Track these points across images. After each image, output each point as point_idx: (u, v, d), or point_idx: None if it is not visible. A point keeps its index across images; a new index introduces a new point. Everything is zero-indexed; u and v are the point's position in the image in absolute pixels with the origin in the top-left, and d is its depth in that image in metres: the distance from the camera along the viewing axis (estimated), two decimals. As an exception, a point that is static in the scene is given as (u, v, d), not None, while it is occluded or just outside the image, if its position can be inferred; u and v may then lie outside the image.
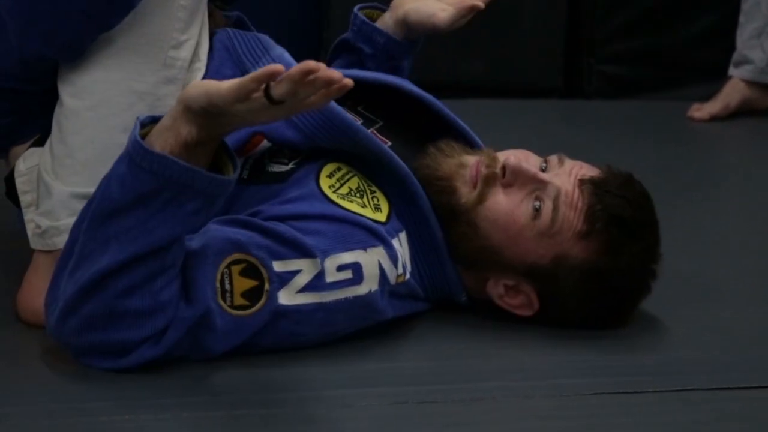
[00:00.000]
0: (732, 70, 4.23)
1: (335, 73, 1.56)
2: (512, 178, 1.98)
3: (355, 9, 2.42)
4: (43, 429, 1.62)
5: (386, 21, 2.38)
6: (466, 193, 2.00)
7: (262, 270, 1.78)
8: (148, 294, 1.68)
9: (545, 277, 1.97)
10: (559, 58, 4.55)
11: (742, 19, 4.22)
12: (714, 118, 4.15)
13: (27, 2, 1.90)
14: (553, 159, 2.02)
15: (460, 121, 2.20)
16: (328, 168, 1.97)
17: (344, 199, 1.92)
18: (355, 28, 2.41)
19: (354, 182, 1.97)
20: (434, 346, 1.96)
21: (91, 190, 1.91)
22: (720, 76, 4.29)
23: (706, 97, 4.25)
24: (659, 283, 2.02)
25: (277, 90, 1.59)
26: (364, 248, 1.86)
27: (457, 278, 2.03)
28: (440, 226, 2.01)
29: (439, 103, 2.21)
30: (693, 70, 4.58)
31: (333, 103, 1.93)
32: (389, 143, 2.06)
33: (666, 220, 2.01)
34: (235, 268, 1.78)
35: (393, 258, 1.90)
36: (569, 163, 2.01)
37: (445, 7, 2.33)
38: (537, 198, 1.96)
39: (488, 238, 1.98)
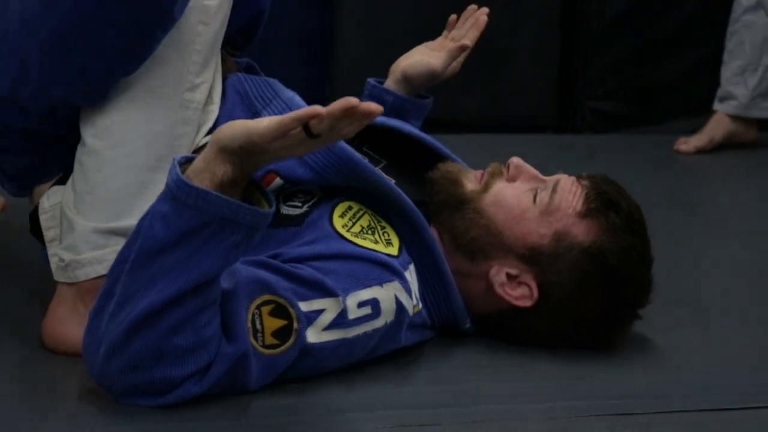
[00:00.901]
0: (717, 105, 4.24)
1: (372, 105, 1.57)
2: (516, 173, 2.03)
3: (369, 79, 2.48)
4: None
5: (389, 83, 2.44)
6: (472, 186, 2.05)
7: (291, 310, 1.77)
8: (192, 331, 1.66)
9: (546, 259, 1.97)
10: (552, 94, 4.56)
11: (726, 57, 4.23)
12: (700, 151, 4.17)
13: (53, 52, 1.90)
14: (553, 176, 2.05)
15: (455, 157, 2.21)
16: (340, 208, 1.97)
17: (358, 236, 1.92)
18: (366, 92, 2.45)
19: (365, 220, 1.97)
20: (436, 371, 1.95)
21: (112, 224, 1.94)
22: (705, 111, 4.30)
23: (692, 131, 4.27)
24: (649, 308, 2.01)
25: (318, 126, 1.59)
26: (381, 284, 1.86)
27: (463, 306, 2.02)
28: (443, 231, 2.03)
29: (435, 142, 2.23)
30: (679, 105, 4.59)
31: (343, 143, 1.95)
32: (393, 181, 2.06)
33: (655, 245, 2.00)
34: (265, 309, 1.76)
35: (408, 290, 1.90)
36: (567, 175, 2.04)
37: (436, 54, 2.41)
38: (538, 188, 2.00)
39: (492, 220, 2.00)
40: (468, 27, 2.46)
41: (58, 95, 1.95)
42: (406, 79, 2.40)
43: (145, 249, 1.66)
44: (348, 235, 1.92)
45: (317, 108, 1.57)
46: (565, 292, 1.96)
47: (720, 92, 4.23)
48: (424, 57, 2.42)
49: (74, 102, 1.97)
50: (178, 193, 1.63)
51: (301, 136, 1.61)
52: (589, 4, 4.52)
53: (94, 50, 1.91)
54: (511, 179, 2.04)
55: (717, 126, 4.21)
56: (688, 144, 4.18)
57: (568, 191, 1.98)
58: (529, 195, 2.00)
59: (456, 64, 2.42)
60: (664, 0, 4.55)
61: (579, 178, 2.02)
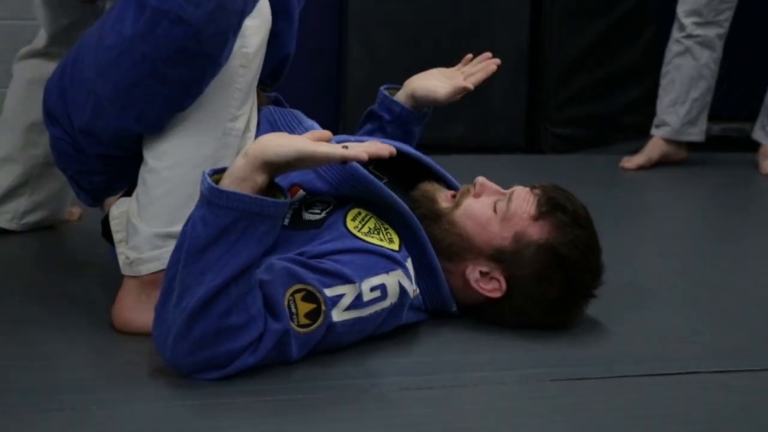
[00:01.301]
0: (653, 131, 4.23)
1: (389, 149, 1.74)
2: (480, 189, 2.04)
3: (381, 88, 2.48)
4: (136, 413, 1.63)
5: (400, 96, 2.43)
6: (445, 204, 2.05)
7: (319, 295, 1.77)
8: (243, 311, 1.67)
9: (509, 257, 1.97)
10: (521, 123, 4.54)
11: (661, 92, 4.22)
12: (640, 168, 4.15)
13: (119, 98, 1.91)
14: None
15: (444, 171, 2.21)
16: (352, 213, 1.97)
17: (367, 235, 1.92)
18: (378, 101, 2.46)
19: (372, 222, 1.97)
20: (430, 346, 1.95)
21: (169, 229, 1.95)
22: (644, 136, 4.28)
23: (634, 152, 4.25)
24: (601, 291, 2.02)
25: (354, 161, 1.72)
26: (387, 272, 1.87)
27: (449, 294, 2.02)
28: (428, 235, 2.01)
29: (428, 160, 2.22)
30: (624, 130, 4.57)
31: (355, 163, 1.94)
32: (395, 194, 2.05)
33: (603, 242, 2.01)
34: (298, 296, 1.76)
35: (409, 277, 1.91)
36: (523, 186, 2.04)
37: (444, 84, 2.39)
38: (497, 202, 2.00)
39: (464, 229, 2.00)
40: (478, 69, 2.46)
41: (126, 129, 1.95)
42: (414, 98, 2.41)
43: (192, 248, 1.67)
44: (359, 234, 1.92)
45: (363, 155, 1.70)
46: (528, 282, 1.96)
47: (656, 120, 4.22)
48: (433, 85, 2.41)
49: (138, 131, 1.97)
50: (211, 198, 1.66)
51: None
52: (550, 51, 4.50)
53: (150, 100, 1.91)
54: (477, 195, 2.04)
55: (654, 147, 4.20)
56: (631, 162, 4.17)
57: (522, 199, 1.98)
58: (491, 206, 2.00)
59: (457, 97, 2.42)
60: (609, 48, 4.53)
61: (532, 188, 2.01)
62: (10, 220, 2.69)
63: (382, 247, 1.91)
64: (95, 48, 1.95)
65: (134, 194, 2.01)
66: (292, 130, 2.11)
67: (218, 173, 1.73)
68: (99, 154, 2.04)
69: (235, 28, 1.90)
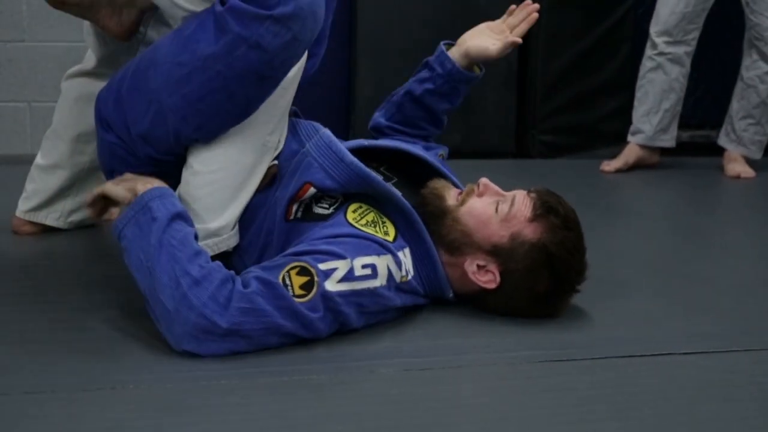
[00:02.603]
0: (630, 137, 4.23)
1: None
2: (483, 190, 2.03)
3: (441, 42, 2.48)
4: (170, 391, 1.63)
5: (454, 53, 2.44)
6: (451, 201, 2.04)
7: (312, 269, 1.79)
8: (198, 266, 1.76)
9: (505, 253, 1.96)
10: (511, 131, 4.53)
11: (636, 103, 4.22)
12: (618, 171, 4.15)
13: (183, 110, 1.93)
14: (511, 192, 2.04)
15: (449, 172, 2.22)
16: (353, 206, 1.98)
17: (364, 226, 1.93)
18: (436, 54, 2.46)
19: (370, 216, 1.97)
20: (429, 330, 1.95)
21: (208, 225, 1.99)
22: (622, 142, 4.28)
23: (612, 156, 4.24)
24: (584, 283, 2.02)
25: None
26: (378, 254, 1.87)
27: (447, 281, 2.02)
28: (430, 232, 2.01)
29: (435, 160, 2.23)
30: (603, 137, 4.57)
31: (360, 164, 1.97)
32: (400, 193, 2.05)
33: (586, 239, 2.01)
34: (293, 271, 1.79)
35: (398, 264, 1.91)
36: (522, 190, 2.04)
37: (494, 41, 2.41)
38: (498, 201, 2.00)
39: (466, 225, 1.99)
40: (521, 18, 2.46)
41: (183, 137, 1.95)
42: (468, 56, 2.41)
43: (142, 278, 1.82)
44: (356, 224, 1.93)
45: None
46: (520, 276, 1.96)
47: (632, 128, 4.22)
48: (485, 42, 2.42)
49: (194, 140, 1.99)
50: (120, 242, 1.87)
51: None
52: (536, 67, 4.48)
53: (213, 113, 1.94)
54: (480, 195, 2.03)
55: (630, 152, 4.19)
56: (609, 165, 4.17)
57: (521, 203, 1.97)
58: (492, 206, 1.99)
59: (507, 51, 2.43)
60: (590, 65, 4.53)
61: (529, 192, 2.01)
62: (58, 219, 2.70)
63: (375, 235, 1.92)
64: (163, 63, 1.95)
65: (177, 194, 2.00)
66: (309, 138, 2.10)
67: None
68: (150, 156, 2.03)
69: (300, 57, 1.95)
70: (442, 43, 2.47)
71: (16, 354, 1.78)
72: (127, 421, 1.49)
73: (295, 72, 2.04)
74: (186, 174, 2.02)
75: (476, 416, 1.56)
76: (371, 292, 1.86)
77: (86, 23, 2.48)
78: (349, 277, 1.82)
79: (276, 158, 2.10)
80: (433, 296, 2.05)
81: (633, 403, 1.62)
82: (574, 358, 1.83)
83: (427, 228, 2.01)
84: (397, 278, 1.92)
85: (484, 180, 2.05)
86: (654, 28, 4.10)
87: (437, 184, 2.10)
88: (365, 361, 1.77)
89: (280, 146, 2.10)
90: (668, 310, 2.18)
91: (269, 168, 2.08)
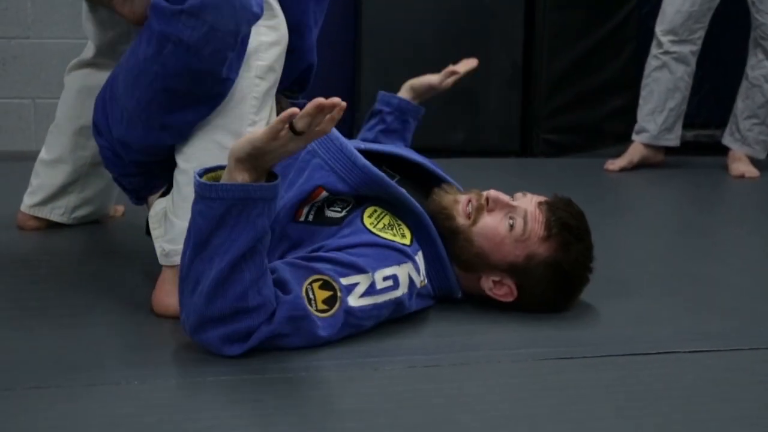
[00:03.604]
0: (634, 136, 4.22)
1: (336, 99, 1.60)
2: (493, 204, 2.00)
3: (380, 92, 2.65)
4: (171, 387, 1.64)
5: (400, 93, 2.59)
6: (462, 220, 2.01)
7: (335, 284, 1.79)
8: (257, 293, 1.68)
9: (521, 271, 1.98)
10: (515, 130, 4.52)
11: (641, 102, 4.21)
12: (622, 170, 4.14)
13: (146, 108, 1.94)
14: (518, 194, 2.05)
15: (445, 174, 2.21)
16: (368, 211, 1.97)
17: (381, 231, 1.93)
18: (378, 99, 2.62)
19: (386, 219, 1.97)
20: (436, 328, 1.96)
21: None
22: (625, 141, 4.28)
23: (617, 155, 4.23)
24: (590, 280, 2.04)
25: (299, 124, 1.61)
26: (399, 264, 1.88)
27: (456, 281, 2.03)
28: (444, 243, 2.01)
29: (430, 163, 2.22)
30: (607, 136, 4.57)
31: (372, 167, 1.97)
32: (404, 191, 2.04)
33: (593, 239, 2.02)
34: (315, 284, 1.78)
35: (417, 269, 1.92)
36: (528, 194, 2.05)
37: (436, 75, 2.65)
38: (510, 217, 1.98)
39: (480, 247, 1.99)
40: (462, 65, 2.69)
41: (154, 138, 1.96)
42: (412, 89, 2.58)
43: (197, 240, 1.68)
44: (374, 230, 1.92)
45: (294, 109, 1.60)
46: (536, 291, 2.00)
47: (636, 127, 4.22)
48: (427, 77, 2.65)
49: (167, 141, 1.99)
50: (203, 193, 1.67)
51: (289, 135, 1.62)
52: (541, 66, 4.48)
53: (167, 112, 1.94)
54: (491, 210, 2.01)
55: (634, 151, 4.19)
56: (614, 164, 4.16)
57: (534, 220, 1.97)
58: (505, 223, 1.98)
59: (447, 83, 2.62)
60: (594, 63, 4.53)
61: (539, 203, 2.00)
62: (62, 214, 2.71)
63: (394, 241, 1.92)
64: (123, 69, 2.01)
65: (170, 193, 2.02)
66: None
67: (211, 171, 1.75)
68: (134, 160, 2.07)
69: (233, 46, 1.91)
70: (381, 92, 2.65)
71: (20, 350, 1.79)
72: (133, 417, 1.49)
73: (272, 61, 2.03)
74: (176, 174, 2.02)
75: (481, 414, 1.56)
76: (392, 302, 1.87)
77: (84, 11, 2.49)
78: (371, 291, 1.83)
79: None
80: (441, 296, 2.05)
81: (638, 401, 1.63)
82: (580, 355, 1.83)
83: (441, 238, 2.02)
84: (418, 284, 1.93)
85: (492, 194, 2.02)
86: (659, 27, 4.10)
87: (444, 199, 2.06)
88: (370, 358, 1.77)
89: None
90: (673, 308, 2.18)
91: None
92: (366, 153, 2.10)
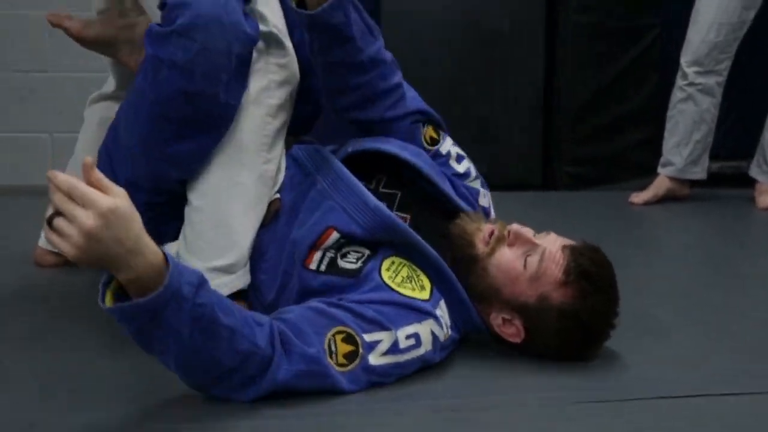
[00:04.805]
0: (660, 169, 4.21)
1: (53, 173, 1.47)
2: (514, 239, 1.94)
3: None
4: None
5: None
6: (481, 248, 1.96)
7: (358, 339, 1.77)
8: (231, 353, 1.64)
9: (531, 313, 1.91)
10: (538, 163, 4.54)
11: (666, 134, 4.20)
12: (647, 203, 4.13)
13: (147, 140, 1.95)
14: (543, 233, 1.99)
15: (440, 180, 2.14)
16: (386, 263, 1.92)
17: (400, 286, 1.89)
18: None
19: (405, 271, 1.92)
20: (460, 369, 1.94)
21: (214, 263, 1.97)
22: (651, 173, 4.26)
23: (642, 188, 4.22)
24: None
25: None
26: (420, 321, 1.85)
27: (480, 320, 1.99)
28: (461, 273, 1.96)
29: (425, 164, 2.13)
30: (631, 169, 4.56)
31: (385, 209, 1.95)
32: (408, 216, 2.04)
33: (616, 272, 1.98)
34: (339, 336, 1.76)
35: (439, 324, 1.88)
36: (555, 235, 1.98)
37: None
38: (529, 254, 1.91)
39: (494, 279, 1.93)
40: None
41: (162, 173, 1.96)
42: None
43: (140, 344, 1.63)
44: (393, 285, 1.89)
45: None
46: (547, 336, 1.93)
47: (662, 160, 4.21)
48: None
49: (176, 176, 1.99)
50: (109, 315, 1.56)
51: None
52: (563, 97, 4.49)
53: (168, 142, 1.94)
54: (511, 244, 1.94)
55: (660, 184, 4.18)
56: (639, 197, 4.15)
57: (551, 260, 1.90)
58: (521, 260, 1.91)
59: None
60: (617, 94, 4.53)
61: (564, 246, 1.93)
62: None
63: (414, 299, 1.88)
64: (123, 109, 2.03)
65: (181, 233, 2.02)
66: (318, 169, 2.08)
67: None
68: (142, 202, 2.04)
69: (226, 67, 1.91)
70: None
71: (38, 384, 1.79)
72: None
73: (282, 100, 2.06)
74: (187, 210, 2.02)
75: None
76: (417, 360, 1.85)
77: None
78: (393, 350, 1.81)
79: (278, 191, 2.09)
80: (468, 334, 2.03)
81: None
82: (610, 399, 1.80)
83: (456, 272, 1.97)
84: (441, 338, 1.90)
85: (515, 228, 1.96)
86: (685, 58, 4.09)
87: (468, 226, 2.02)
88: (394, 402, 1.75)
89: (280, 178, 2.09)
90: (703, 347, 2.16)
91: (271, 202, 2.07)
92: (365, 155, 2.09)
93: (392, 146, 2.14)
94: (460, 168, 2.27)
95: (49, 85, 4.20)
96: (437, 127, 2.27)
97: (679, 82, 4.13)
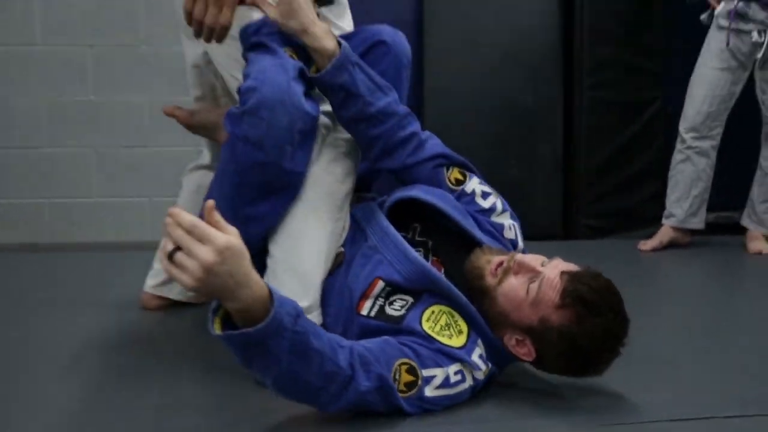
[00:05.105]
0: (664, 220, 4.17)
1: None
2: (518, 268, 1.86)
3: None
4: None
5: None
6: (490, 279, 1.89)
7: (418, 372, 1.76)
8: (320, 376, 1.64)
9: (536, 334, 1.83)
10: (559, 216, 4.51)
11: (668, 191, 4.17)
12: (653, 250, 4.09)
13: (231, 202, 1.94)
14: (549, 260, 1.89)
15: (468, 225, 2.07)
16: (426, 314, 1.87)
17: (439, 334, 1.84)
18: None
19: (443, 319, 1.87)
20: (497, 400, 1.92)
21: (304, 304, 1.94)
22: (656, 224, 4.23)
23: (649, 236, 4.19)
24: (631, 355, 1.90)
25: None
26: (461, 363, 1.84)
27: (509, 351, 1.92)
28: (476, 303, 1.90)
29: (459, 217, 2.06)
30: (640, 220, 4.51)
31: (422, 261, 1.92)
32: (443, 267, 1.99)
33: (627, 311, 1.87)
34: (404, 367, 1.75)
35: (475, 367, 1.85)
36: (558, 261, 1.87)
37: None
38: (532, 281, 1.83)
39: (502, 306, 1.86)
40: None
41: (241, 233, 1.97)
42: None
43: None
44: (432, 334, 1.84)
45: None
46: (553, 355, 1.85)
47: (666, 212, 4.17)
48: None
49: (253, 232, 1.96)
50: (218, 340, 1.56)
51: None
52: (579, 158, 4.47)
53: (248, 204, 1.95)
54: (516, 273, 1.86)
55: (664, 233, 4.14)
56: (646, 245, 4.11)
57: (549, 286, 1.80)
58: (524, 287, 1.83)
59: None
60: (628, 156, 4.50)
61: (563, 272, 1.82)
62: (179, 292, 2.71)
63: (451, 347, 1.83)
64: (212, 182, 2.05)
65: (264, 280, 2.02)
66: (368, 223, 2.07)
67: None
68: None
69: (290, 140, 1.93)
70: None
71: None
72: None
73: (350, 168, 2.08)
74: (270, 261, 2.02)
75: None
76: (466, 392, 1.84)
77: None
78: (445, 384, 1.79)
79: (342, 245, 2.09)
80: (503, 365, 1.98)
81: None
82: (625, 422, 1.78)
83: (472, 302, 1.92)
84: (481, 376, 1.87)
85: (518, 257, 1.89)
86: (683, 126, 4.09)
87: (479, 260, 1.94)
88: (445, 426, 1.74)
89: (345, 233, 2.09)
90: (706, 376, 2.13)
91: (337, 254, 2.07)
92: (406, 204, 2.06)
93: (419, 191, 2.09)
94: (486, 204, 2.14)
95: (148, 158, 4.25)
96: (463, 169, 2.17)
97: (679, 146, 4.11)
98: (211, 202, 1.49)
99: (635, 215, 4.53)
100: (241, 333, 1.51)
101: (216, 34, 2.07)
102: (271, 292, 1.54)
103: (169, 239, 1.47)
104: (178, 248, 1.45)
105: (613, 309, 1.80)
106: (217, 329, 1.54)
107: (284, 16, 2.02)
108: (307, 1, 2.04)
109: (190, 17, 2.08)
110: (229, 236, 1.48)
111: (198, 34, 2.10)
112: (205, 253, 1.45)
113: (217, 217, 1.49)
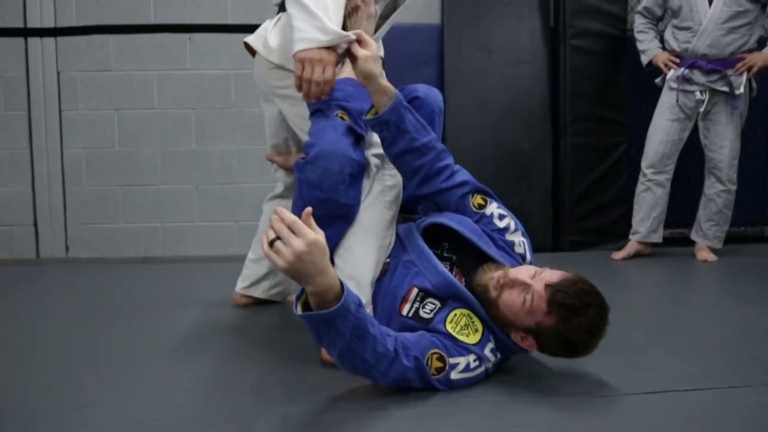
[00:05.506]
0: (631, 236, 4.15)
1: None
2: (512, 283, 1.83)
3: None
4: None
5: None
6: (492, 292, 1.86)
7: (446, 360, 1.78)
8: (370, 354, 1.66)
9: (536, 333, 1.83)
10: (549, 234, 4.47)
11: (634, 213, 4.16)
12: (623, 259, 4.06)
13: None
14: (542, 269, 1.85)
15: (483, 243, 2.01)
16: (450, 316, 1.86)
17: (459, 333, 1.83)
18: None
19: (463, 321, 1.85)
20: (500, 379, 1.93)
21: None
22: (625, 239, 4.21)
23: (619, 249, 4.16)
24: (614, 341, 1.88)
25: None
26: (477, 355, 1.85)
27: (516, 344, 1.92)
28: (484, 308, 1.87)
29: (477, 240, 2.00)
30: (612, 236, 4.46)
31: (448, 273, 1.89)
32: (464, 278, 1.95)
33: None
34: (434, 356, 1.77)
35: (486, 359, 1.86)
36: (547, 270, 1.83)
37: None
38: (526, 293, 1.80)
39: (504, 315, 1.85)
40: None
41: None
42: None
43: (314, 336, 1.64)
44: (454, 334, 1.84)
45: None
46: (551, 346, 1.85)
47: (632, 230, 4.16)
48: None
49: (330, 249, 1.94)
50: (300, 320, 1.59)
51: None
52: (564, 190, 4.43)
53: (316, 223, 1.91)
54: (510, 287, 1.83)
55: (631, 247, 4.12)
56: (617, 255, 4.10)
57: (539, 297, 1.77)
58: (520, 298, 1.80)
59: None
60: (601, 188, 4.47)
61: (546, 285, 1.77)
62: (263, 292, 2.73)
63: (468, 344, 1.83)
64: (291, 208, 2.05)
65: None
66: (406, 238, 2.06)
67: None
68: None
69: (342, 180, 1.95)
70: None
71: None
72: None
73: (394, 198, 2.08)
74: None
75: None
76: (479, 374, 1.85)
77: (274, 166, 2.59)
78: (466, 369, 1.81)
79: (388, 257, 2.09)
80: (509, 355, 1.97)
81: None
82: (606, 394, 1.81)
83: (485, 309, 1.89)
84: (491, 364, 1.88)
85: (512, 273, 1.84)
86: (644, 163, 4.07)
87: (482, 277, 1.90)
88: (457, 397, 1.76)
89: (390, 247, 2.09)
90: (667, 357, 2.13)
91: (384, 264, 2.08)
92: (438, 227, 2.01)
93: (446, 219, 2.04)
94: (501, 224, 2.07)
95: (236, 192, 4.27)
96: (484, 195, 2.13)
97: (641, 179, 4.10)
98: (309, 209, 1.53)
99: (608, 232, 4.50)
100: (317, 313, 1.55)
101: (321, 88, 1.97)
102: (342, 284, 1.58)
103: (272, 230, 1.50)
104: (277, 238, 1.48)
105: (592, 305, 1.77)
106: (299, 310, 1.58)
107: (370, 60, 1.94)
108: (377, 59, 1.98)
109: (300, 81, 1.96)
110: (318, 235, 1.51)
111: (307, 95, 1.99)
112: (298, 244, 1.48)
113: (311, 220, 1.52)
